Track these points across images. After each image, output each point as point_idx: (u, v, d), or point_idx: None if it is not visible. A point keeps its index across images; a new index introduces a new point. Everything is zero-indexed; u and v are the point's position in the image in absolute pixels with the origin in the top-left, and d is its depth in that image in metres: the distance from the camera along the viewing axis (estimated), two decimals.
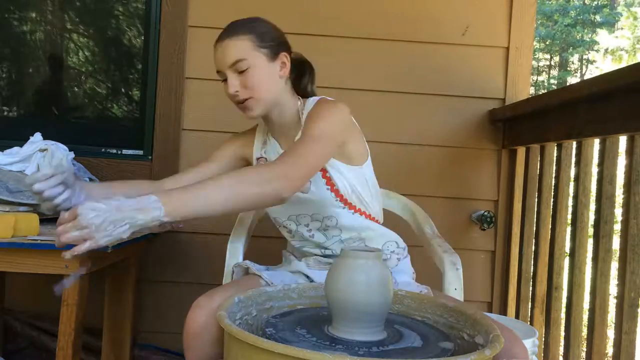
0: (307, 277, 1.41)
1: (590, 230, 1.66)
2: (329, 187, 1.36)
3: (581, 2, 15.59)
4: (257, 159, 1.47)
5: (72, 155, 1.95)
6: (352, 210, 1.40)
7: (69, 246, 0.99)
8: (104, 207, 0.96)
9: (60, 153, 1.88)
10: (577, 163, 1.73)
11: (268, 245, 1.98)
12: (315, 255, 1.44)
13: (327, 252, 1.43)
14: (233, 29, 1.33)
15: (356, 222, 1.40)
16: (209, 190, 1.05)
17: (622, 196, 1.48)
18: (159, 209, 0.98)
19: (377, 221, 1.46)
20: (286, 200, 1.14)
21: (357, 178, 1.38)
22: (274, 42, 1.34)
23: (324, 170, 1.35)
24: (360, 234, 1.42)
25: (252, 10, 2.18)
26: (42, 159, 1.86)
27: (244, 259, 1.56)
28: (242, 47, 1.30)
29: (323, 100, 1.37)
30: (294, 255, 1.49)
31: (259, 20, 1.38)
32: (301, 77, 1.47)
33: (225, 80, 1.34)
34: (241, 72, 1.30)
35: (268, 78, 1.33)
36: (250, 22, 1.36)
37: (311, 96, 1.45)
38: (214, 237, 2.15)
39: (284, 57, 1.35)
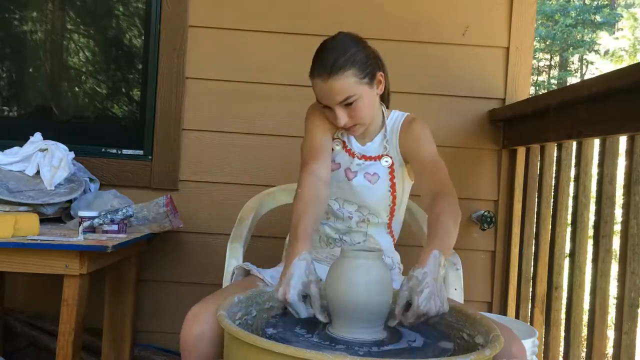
0: None
1: (591, 231, 1.66)
2: (391, 190, 1.45)
3: (581, 3, 15.60)
4: (333, 138, 1.49)
5: (72, 155, 1.95)
6: (388, 230, 1.51)
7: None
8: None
9: (61, 153, 1.88)
10: (577, 163, 1.72)
11: (268, 245, 1.99)
12: (330, 238, 1.49)
13: (346, 237, 1.48)
14: (335, 66, 1.31)
15: (385, 242, 1.50)
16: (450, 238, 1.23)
17: (622, 196, 1.48)
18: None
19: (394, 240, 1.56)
20: None
21: (406, 193, 1.53)
22: (372, 66, 1.37)
23: (392, 176, 1.45)
24: (379, 242, 1.50)
25: (252, 10, 2.18)
26: (42, 159, 1.86)
27: (244, 259, 1.56)
28: (347, 85, 1.32)
29: (418, 120, 1.48)
30: None
31: (353, 47, 1.35)
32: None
33: (327, 107, 1.37)
34: (348, 105, 1.35)
35: (371, 103, 1.40)
36: (347, 52, 1.33)
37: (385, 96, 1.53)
38: (214, 237, 2.15)
39: (380, 77, 1.41)
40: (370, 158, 1.47)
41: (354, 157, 1.47)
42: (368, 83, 1.35)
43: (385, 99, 1.53)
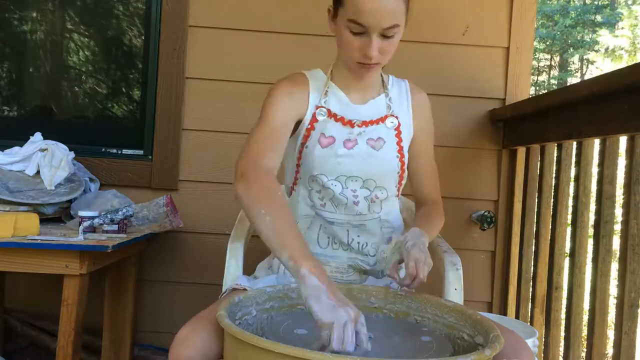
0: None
1: (591, 231, 1.65)
2: (399, 155, 1.34)
3: (582, 3, 15.59)
4: (317, 107, 1.32)
5: (72, 155, 1.95)
6: (397, 194, 1.39)
7: None
8: None
9: (61, 153, 1.88)
10: (578, 163, 1.72)
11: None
12: (340, 241, 1.32)
13: (357, 228, 1.32)
14: None
15: (395, 209, 1.40)
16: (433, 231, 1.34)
17: (622, 196, 1.47)
18: None
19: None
20: None
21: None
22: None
23: (400, 139, 1.34)
24: (394, 224, 1.38)
25: (252, 10, 2.18)
26: (42, 159, 1.86)
27: (244, 259, 1.55)
28: (400, 12, 1.17)
29: (426, 97, 1.44)
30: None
31: None
32: None
33: (358, 33, 1.18)
34: (386, 37, 1.19)
35: (398, 43, 1.24)
36: None
37: None
38: (214, 237, 2.15)
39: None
40: (372, 122, 1.32)
41: (353, 126, 1.31)
42: (406, 19, 1.21)
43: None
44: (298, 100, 1.31)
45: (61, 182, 1.85)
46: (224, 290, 1.37)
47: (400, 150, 1.34)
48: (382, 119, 1.34)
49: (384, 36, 1.18)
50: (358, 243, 1.33)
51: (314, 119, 1.31)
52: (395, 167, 1.33)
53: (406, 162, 1.36)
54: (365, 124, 1.32)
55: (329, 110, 1.32)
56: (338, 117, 1.31)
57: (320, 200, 1.32)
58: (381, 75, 1.40)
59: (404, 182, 1.39)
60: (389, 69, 1.43)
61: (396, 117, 1.35)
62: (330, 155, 1.28)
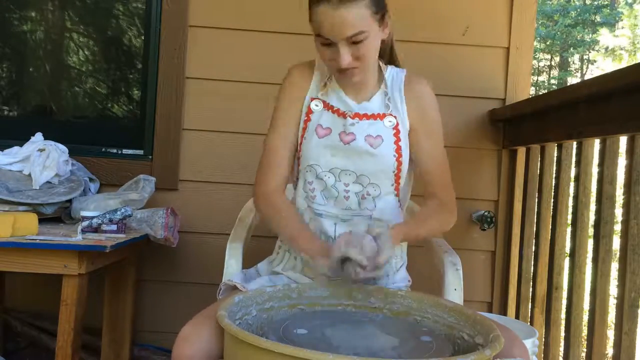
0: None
1: (591, 231, 1.65)
2: (397, 155, 1.31)
3: (582, 2, 15.59)
4: (312, 99, 1.35)
5: (64, 157, 1.93)
6: (395, 193, 1.35)
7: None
8: None
9: (57, 153, 1.88)
10: (578, 163, 1.72)
11: (268, 245, 1.98)
12: (326, 235, 1.33)
13: (345, 223, 1.33)
14: None
15: (391, 207, 1.36)
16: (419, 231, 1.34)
17: (622, 196, 1.47)
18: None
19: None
20: None
21: (407, 159, 1.37)
22: (383, 2, 1.23)
23: (398, 138, 1.32)
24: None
25: (252, 10, 2.18)
26: (37, 159, 1.86)
27: (244, 259, 1.55)
28: (360, 18, 1.16)
29: (426, 83, 1.40)
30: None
31: None
32: None
33: (327, 44, 1.21)
34: (355, 43, 1.19)
35: (376, 45, 1.26)
36: None
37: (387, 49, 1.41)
38: (213, 237, 2.15)
39: (387, 18, 1.27)
40: (371, 116, 1.32)
41: (345, 117, 1.31)
42: (379, 21, 1.21)
43: (385, 52, 1.40)
44: (300, 94, 1.37)
45: (61, 182, 1.85)
46: (220, 287, 1.38)
47: (399, 149, 1.32)
48: (380, 117, 1.32)
49: (353, 42, 1.19)
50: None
51: (309, 110, 1.34)
52: (390, 166, 1.31)
53: (405, 162, 1.33)
54: (359, 116, 1.31)
55: (324, 101, 1.34)
56: (334, 109, 1.33)
57: (312, 192, 1.34)
58: (380, 70, 1.38)
59: (401, 182, 1.35)
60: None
61: (395, 117, 1.33)
62: (327, 146, 1.30)
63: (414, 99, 1.36)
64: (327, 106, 1.34)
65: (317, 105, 1.34)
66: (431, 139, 1.36)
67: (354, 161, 1.30)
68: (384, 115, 1.33)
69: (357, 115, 1.32)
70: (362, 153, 1.30)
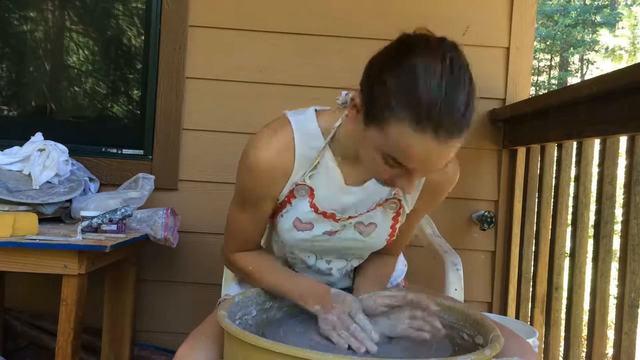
0: None
1: (591, 231, 1.65)
2: (389, 238, 1.17)
3: (582, 3, 15.59)
4: (297, 184, 1.09)
5: (64, 157, 1.93)
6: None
7: None
8: None
9: (57, 153, 1.88)
10: (578, 163, 1.72)
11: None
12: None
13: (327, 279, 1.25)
14: (467, 118, 0.93)
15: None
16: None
17: (622, 196, 1.47)
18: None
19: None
20: None
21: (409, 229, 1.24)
22: None
23: (396, 221, 1.15)
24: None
25: (252, 10, 2.18)
26: (37, 159, 1.86)
27: None
28: (455, 150, 0.95)
29: (456, 174, 1.24)
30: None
31: (473, 93, 0.96)
32: None
33: (395, 166, 0.93)
34: None
35: None
36: (474, 94, 0.96)
37: None
38: (213, 237, 2.15)
39: None
40: (362, 214, 1.12)
41: (337, 220, 1.11)
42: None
43: None
44: (274, 183, 1.09)
45: (61, 182, 1.85)
46: (219, 299, 1.35)
47: (393, 232, 1.16)
48: (381, 204, 1.12)
49: None
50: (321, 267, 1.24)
51: (291, 194, 1.10)
52: (380, 245, 1.18)
53: (395, 235, 1.18)
54: (352, 218, 1.12)
55: (311, 190, 1.09)
56: (319, 211, 1.10)
57: (291, 259, 1.23)
58: None
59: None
60: None
61: (399, 200, 1.13)
62: (307, 239, 1.13)
63: (433, 185, 1.16)
64: (312, 203, 1.09)
65: (301, 194, 1.09)
66: (421, 217, 1.28)
67: (339, 247, 1.17)
68: (386, 201, 1.12)
69: (350, 218, 1.12)
70: (349, 242, 1.15)
